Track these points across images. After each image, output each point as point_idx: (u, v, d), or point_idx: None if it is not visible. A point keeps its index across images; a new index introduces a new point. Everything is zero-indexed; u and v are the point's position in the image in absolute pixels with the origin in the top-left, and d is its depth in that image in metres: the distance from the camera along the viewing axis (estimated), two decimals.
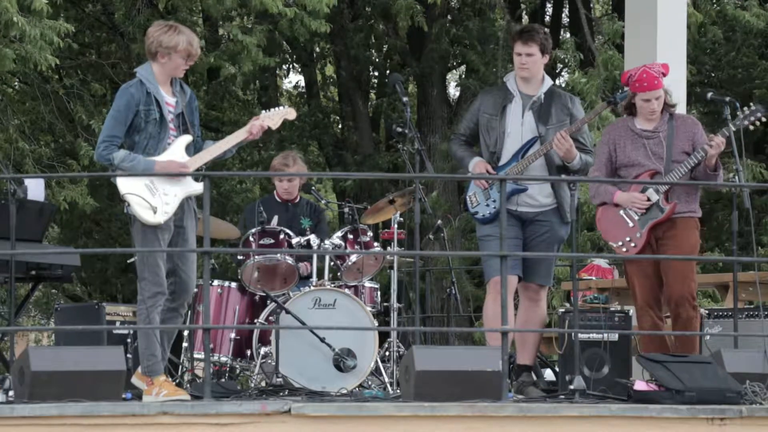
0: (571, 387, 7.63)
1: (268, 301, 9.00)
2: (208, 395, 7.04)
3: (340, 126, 20.53)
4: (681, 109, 9.60)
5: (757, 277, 9.21)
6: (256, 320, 9.10)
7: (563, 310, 9.09)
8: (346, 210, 9.42)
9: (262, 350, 8.88)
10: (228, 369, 9.16)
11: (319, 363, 8.59)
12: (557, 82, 19.45)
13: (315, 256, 9.16)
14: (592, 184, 8.60)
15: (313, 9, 13.91)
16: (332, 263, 9.15)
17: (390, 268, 9.26)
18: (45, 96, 16.27)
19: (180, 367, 9.04)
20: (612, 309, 8.95)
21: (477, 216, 8.63)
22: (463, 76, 20.21)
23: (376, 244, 9.40)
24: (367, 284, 9.42)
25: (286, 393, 8.16)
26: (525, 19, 20.22)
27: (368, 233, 9.30)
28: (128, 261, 10.96)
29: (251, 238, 9.15)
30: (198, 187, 7.62)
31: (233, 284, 9.30)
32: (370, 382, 8.89)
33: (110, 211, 18.36)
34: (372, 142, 19.60)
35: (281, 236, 9.18)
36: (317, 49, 20.32)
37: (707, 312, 9.37)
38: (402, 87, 8.92)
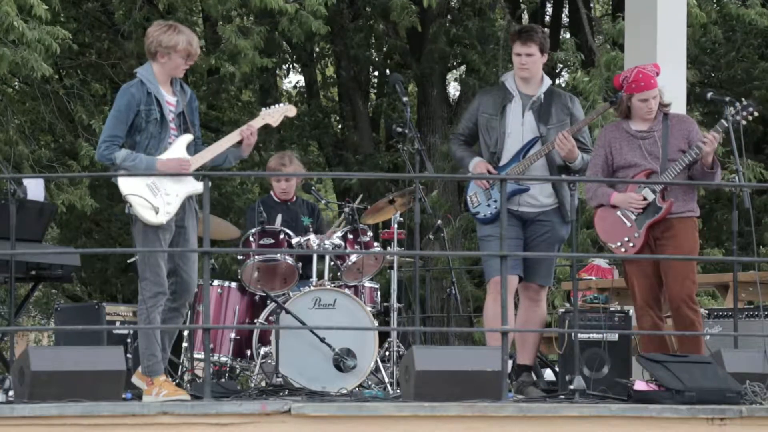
0: (571, 387, 7.63)
1: (268, 301, 9.00)
2: (208, 395, 7.04)
3: (340, 126, 20.53)
4: (681, 109, 9.61)
5: (758, 277, 9.21)
6: (256, 320, 9.10)
7: (563, 310, 9.09)
8: (346, 210, 9.43)
9: (262, 350, 8.88)
10: (228, 369, 9.16)
11: (319, 363, 8.59)
12: (557, 82, 19.45)
13: (315, 256, 9.16)
14: (588, 186, 8.59)
15: (312, 10, 13.91)
16: (332, 263, 9.15)
17: (390, 268, 9.26)
18: (45, 96, 16.27)
19: (180, 367, 9.04)
20: (612, 309, 8.95)
21: (478, 216, 8.63)
22: (463, 76, 20.21)
23: (376, 244, 9.41)
24: (367, 284, 9.42)
25: (286, 393, 8.16)
26: (525, 19, 20.21)
27: (368, 233, 9.30)
28: (128, 261, 10.96)
29: (251, 238, 9.16)
30: (199, 187, 7.62)
31: (233, 284, 9.30)
32: (370, 382, 8.89)
33: (110, 211, 18.35)
34: (372, 142, 19.60)
35: (281, 236, 9.18)
36: (317, 49, 20.32)
37: (707, 312, 9.37)
38: (402, 87, 8.92)
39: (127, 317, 9.69)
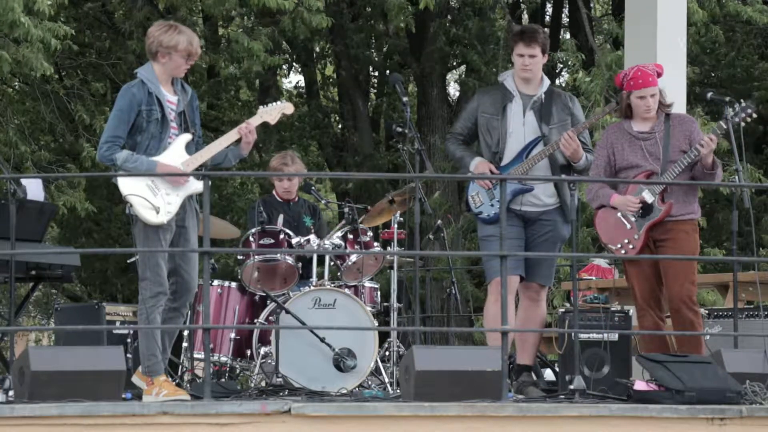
0: (571, 387, 7.63)
1: (268, 301, 9.00)
2: (208, 395, 7.04)
3: (340, 126, 20.53)
4: (681, 109, 9.60)
5: (758, 277, 9.21)
6: (256, 320, 9.10)
7: (563, 310, 9.09)
8: (346, 210, 9.42)
9: (262, 350, 8.88)
10: (228, 369, 9.17)
11: (319, 363, 8.59)
12: (557, 82, 19.46)
13: (315, 256, 9.16)
14: (590, 187, 8.60)
15: (310, 7, 13.91)
16: (332, 263, 9.15)
17: (390, 268, 9.26)
18: (45, 96, 16.27)
19: (180, 367, 9.04)
20: (612, 309, 8.95)
21: (481, 216, 8.62)
22: (463, 75, 20.21)
23: (376, 244, 9.40)
24: (367, 284, 9.42)
25: (286, 393, 8.16)
26: (525, 19, 20.22)
27: (368, 233, 9.30)
28: (128, 261, 10.95)
29: (251, 238, 9.15)
30: (199, 186, 7.62)
31: (233, 284, 9.30)
32: (370, 382, 8.88)
33: (110, 211, 18.36)
34: (372, 142, 19.60)
35: (281, 236, 9.17)
36: (317, 49, 20.33)
37: (707, 312, 9.37)
38: (402, 87, 8.91)
39: (127, 317, 9.69)
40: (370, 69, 20.58)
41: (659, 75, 8.36)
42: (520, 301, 8.67)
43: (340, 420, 6.84)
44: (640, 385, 7.56)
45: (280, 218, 9.70)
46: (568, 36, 19.63)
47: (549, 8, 21.28)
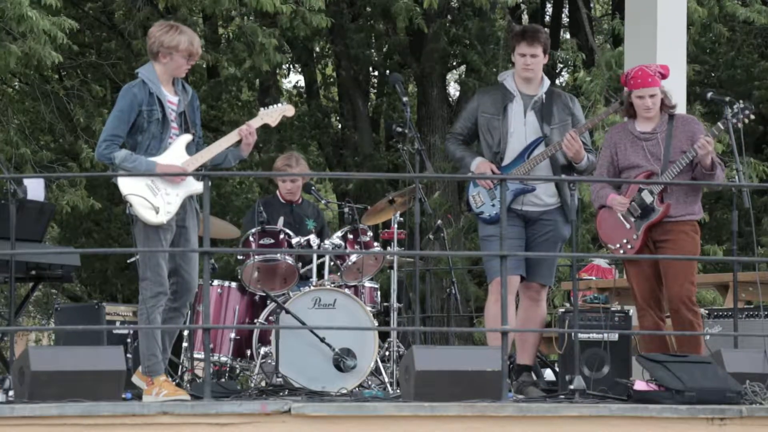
0: (571, 387, 7.63)
1: (268, 301, 9.00)
2: (208, 395, 7.04)
3: (340, 126, 20.53)
4: (681, 109, 9.60)
5: (758, 277, 9.21)
6: (256, 320, 9.10)
7: (563, 310, 9.09)
8: (346, 210, 9.42)
9: (262, 350, 8.88)
10: (228, 369, 9.16)
11: (319, 363, 8.59)
12: (557, 82, 19.46)
13: (315, 256, 9.16)
14: (593, 188, 8.61)
15: (311, 7, 13.91)
16: (332, 263, 9.15)
17: (390, 268, 9.26)
18: (45, 96, 16.28)
19: (180, 367, 9.03)
20: (612, 309, 8.95)
21: (482, 216, 8.61)
22: (463, 75, 20.22)
23: (376, 244, 9.40)
24: (367, 284, 9.42)
25: (286, 393, 8.16)
26: (525, 19, 20.22)
27: (368, 233, 9.30)
28: (128, 261, 10.96)
29: (251, 238, 9.15)
30: (199, 187, 7.62)
31: (233, 284, 9.30)
32: (370, 382, 8.88)
33: (110, 211, 18.36)
34: (372, 142, 19.60)
35: (281, 236, 9.17)
36: (317, 49, 20.33)
37: (707, 312, 9.37)
38: (402, 87, 8.90)
39: (127, 317, 9.69)
40: (370, 69, 20.58)
41: (664, 76, 8.36)
42: (521, 301, 8.67)
43: (340, 420, 6.84)
44: (640, 385, 7.56)
45: (281, 220, 9.70)
46: (568, 36, 19.65)
47: (549, 8, 21.28)
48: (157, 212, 7.49)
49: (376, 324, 9.23)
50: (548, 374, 11.10)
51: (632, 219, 8.33)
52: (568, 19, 21.19)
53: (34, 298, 23.33)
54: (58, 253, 10.67)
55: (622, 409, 7.14)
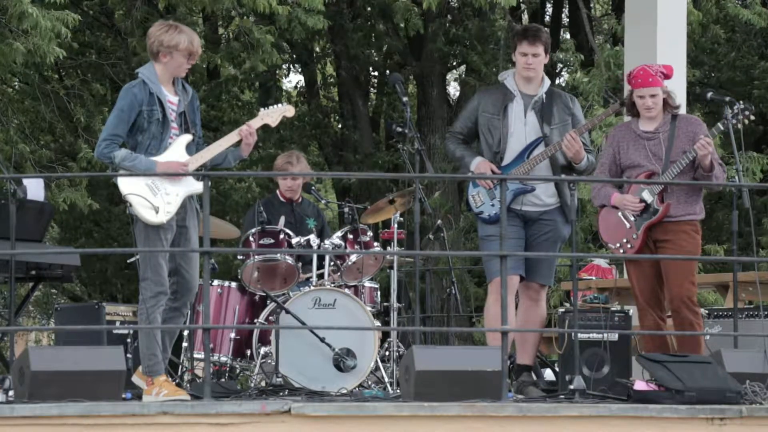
0: (571, 387, 7.63)
1: (268, 301, 9.00)
2: (208, 395, 7.04)
3: (340, 126, 20.53)
4: (681, 109, 9.60)
5: (757, 277, 9.21)
6: (256, 320, 9.10)
7: (563, 310, 9.09)
8: (346, 210, 9.42)
9: (262, 350, 8.88)
10: (228, 369, 9.16)
11: (319, 363, 8.59)
12: (557, 82, 19.45)
13: (315, 256, 9.16)
14: (593, 186, 8.61)
15: (309, 7, 13.91)
16: (332, 263, 9.14)
17: (390, 268, 9.26)
18: (45, 96, 16.27)
19: (180, 367, 9.03)
20: (612, 309, 8.95)
21: (482, 216, 8.61)
22: (463, 75, 20.22)
23: (376, 244, 9.40)
24: (367, 284, 9.42)
25: (286, 393, 8.16)
26: (525, 19, 20.21)
27: (368, 233, 9.30)
28: (128, 261, 10.95)
29: (251, 238, 9.15)
30: (199, 186, 7.62)
31: (233, 284, 9.30)
32: (370, 382, 8.89)
33: (110, 211, 18.36)
34: (372, 141, 19.61)
35: (281, 236, 9.17)
36: (317, 49, 20.33)
37: (707, 312, 9.37)
38: (402, 87, 8.90)
39: (127, 317, 9.69)
40: (370, 69, 20.58)
41: (666, 77, 8.37)
42: (520, 301, 8.67)
43: (340, 420, 6.84)
44: (640, 385, 7.56)
45: (282, 220, 9.70)
46: (568, 36, 19.65)
47: (549, 8, 21.28)
48: (157, 212, 7.49)
49: (377, 324, 9.23)
50: (548, 374, 11.11)
51: (632, 218, 8.34)
52: (568, 19, 21.19)
53: (34, 298, 23.32)
54: (58, 253, 10.66)
55: (622, 409, 7.14)
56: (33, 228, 9.60)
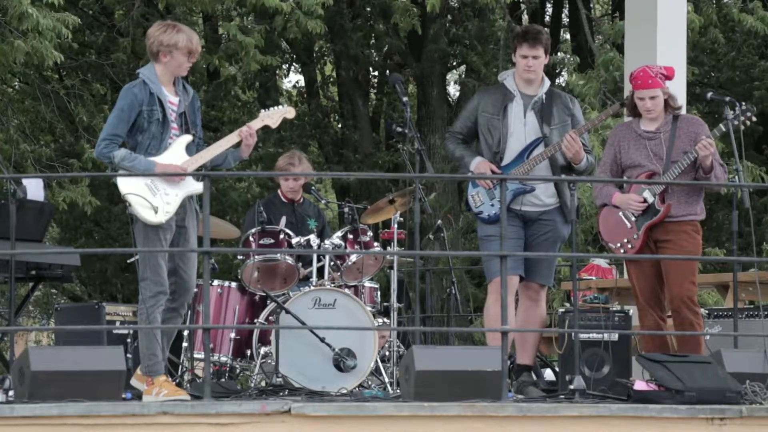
0: (571, 387, 7.63)
1: (268, 301, 9.00)
2: (208, 395, 7.04)
3: (340, 125, 20.53)
4: (681, 109, 9.60)
5: (757, 277, 9.21)
6: (256, 320, 9.10)
7: (563, 310, 9.09)
8: (346, 210, 9.42)
9: (262, 350, 8.88)
10: (228, 369, 9.16)
11: (319, 363, 8.59)
12: (556, 82, 19.44)
13: (315, 256, 9.16)
14: (595, 185, 8.61)
15: (309, 10, 13.91)
16: (332, 263, 9.15)
17: (390, 268, 9.26)
18: (45, 96, 16.27)
19: (180, 367, 9.03)
20: (612, 309, 8.95)
21: (481, 216, 8.61)
22: (463, 76, 20.21)
23: (376, 244, 9.40)
24: (367, 284, 9.42)
25: (286, 393, 8.16)
26: (525, 19, 20.21)
27: (368, 233, 9.30)
28: (128, 261, 10.95)
29: (251, 238, 9.15)
30: (199, 187, 7.63)
31: (233, 284, 9.30)
32: (370, 382, 8.89)
33: (110, 211, 18.35)
34: (372, 141, 19.60)
35: (281, 236, 9.17)
36: (317, 49, 20.33)
37: (707, 312, 9.38)
38: (402, 87, 8.90)
39: (127, 317, 9.69)
40: (370, 69, 20.57)
41: (668, 78, 8.37)
42: (520, 301, 8.67)
43: (340, 420, 6.84)
44: (640, 385, 7.56)
45: (283, 220, 9.70)
46: (568, 36, 19.64)
47: (549, 8, 21.27)
48: (156, 212, 7.49)
49: (377, 324, 9.23)
50: (548, 374, 11.11)
51: (633, 218, 8.34)
52: (568, 19, 21.18)
53: (34, 298, 23.31)
54: (58, 253, 10.66)
55: (622, 409, 7.14)
56: (33, 228, 9.60)
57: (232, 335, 9.12)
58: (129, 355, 8.82)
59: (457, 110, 18.85)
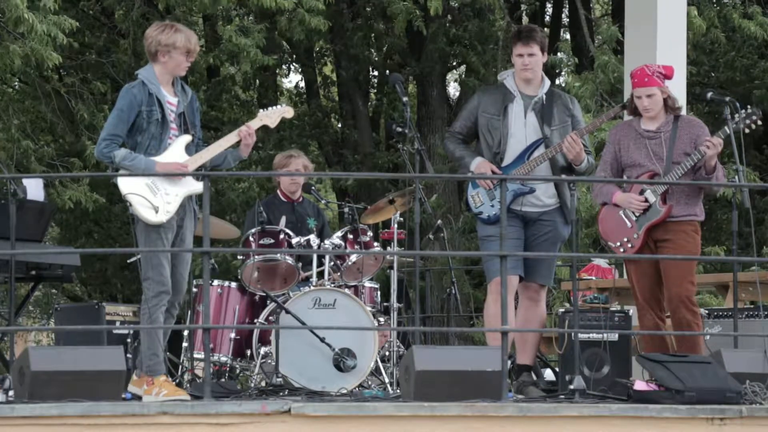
0: (571, 387, 7.63)
1: (268, 301, 9.00)
2: (208, 395, 7.04)
3: (339, 125, 20.53)
4: (681, 110, 9.60)
5: (758, 277, 9.21)
6: (256, 320, 9.09)
7: (563, 310, 9.09)
8: (346, 210, 9.43)
9: (262, 350, 8.88)
10: (228, 369, 9.16)
11: (319, 363, 8.59)
12: (556, 82, 19.44)
13: (315, 256, 9.16)
14: (595, 184, 8.62)
15: (310, 7, 13.90)
16: (332, 263, 9.15)
17: (390, 268, 9.26)
18: (46, 95, 16.27)
19: (180, 367, 9.03)
20: (612, 309, 8.95)
21: (481, 216, 8.61)
22: (463, 76, 20.21)
23: (375, 244, 9.40)
24: (367, 284, 9.42)
25: (286, 393, 8.16)
26: (525, 20, 20.21)
27: (368, 233, 9.30)
28: (128, 261, 10.95)
29: (251, 238, 9.15)
30: (199, 187, 7.64)
31: (233, 284, 9.30)
32: (370, 382, 8.89)
33: (110, 211, 18.35)
34: (372, 141, 19.60)
35: (281, 236, 9.18)
36: (317, 49, 20.32)
37: (707, 312, 9.38)
38: (402, 87, 8.90)
39: (127, 317, 9.69)
40: (370, 69, 20.57)
41: (667, 77, 8.37)
42: (520, 301, 8.67)
43: (340, 420, 6.84)
44: (640, 385, 7.56)
45: (283, 220, 9.70)
46: (568, 36, 19.64)
47: (549, 8, 21.27)
48: (157, 211, 7.51)
49: (377, 324, 9.23)
50: (548, 374, 11.11)
51: (633, 218, 8.34)
52: (568, 20, 21.18)
53: (34, 298, 23.32)
54: (58, 253, 10.66)
55: (622, 409, 7.14)
56: (33, 228, 9.61)
57: (232, 335, 9.12)
58: (129, 355, 8.82)
59: (457, 110, 18.84)
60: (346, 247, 9.17)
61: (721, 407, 7.16)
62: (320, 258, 9.16)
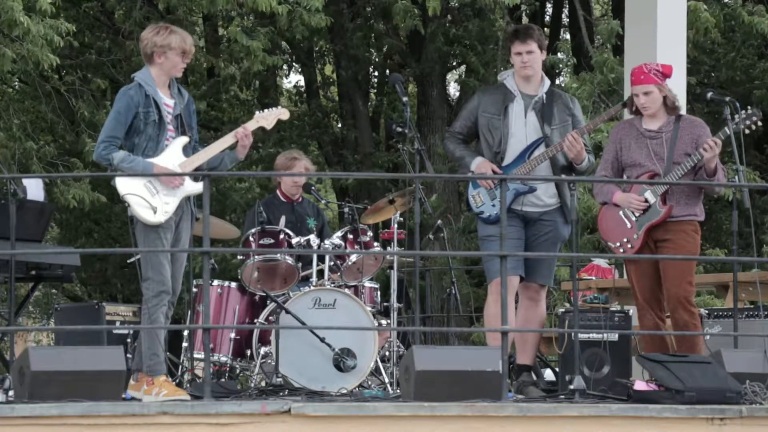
0: (571, 387, 7.63)
1: (268, 301, 9.00)
2: (208, 395, 7.04)
3: (339, 125, 20.53)
4: (681, 109, 9.60)
5: (758, 277, 9.21)
6: (256, 320, 9.09)
7: (563, 310, 9.09)
8: (346, 210, 9.43)
9: (262, 350, 8.88)
10: (228, 369, 9.16)
11: (319, 363, 8.59)
12: (556, 82, 19.44)
13: (315, 256, 9.16)
14: (596, 183, 8.62)
15: (309, 6, 13.90)
16: (332, 263, 9.15)
17: (390, 268, 9.26)
18: (46, 95, 16.27)
19: (180, 367, 9.03)
20: (612, 309, 8.95)
21: (482, 216, 8.61)
22: (463, 76, 20.21)
23: (375, 244, 9.40)
24: (367, 284, 9.41)
25: (286, 393, 8.16)
26: (525, 20, 20.21)
27: (368, 233, 9.30)
28: (128, 261, 10.94)
29: (251, 238, 9.15)
30: (197, 187, 7.66)
31: (233, 284, 9.30)
32: (370, 382, 8.89)
33: (110, 211, 18.36)
34: (372, 141, 19.60)
35: (281, 236, 9.18)
36: (317, 49, 20.32)
37: (707, 312, 9.37)
38: (402, 87, 8.91)
39: (127, 317, 9.69)
40: (370, 69, 20.57)
41: (665, 76, 8.37)
42: (520, 301, 8.67)
43: (340, 420, 6.84)
44: (640, 385, 7.56)
45: (282, 220, 9.70)
46: (568, 36, 19.64)
47: (549, 8, 21.27)
48: (155, 212, 7.52)
49: (377, 324, 9.23)
50: (548, 374, 11.11)
51: (633, 218, 8.34)
52: (568, 20, 21.18)
53: (34, 298, 23.32)
54: (58, 253, 10.67)
55: (622, 409, 7.14)
56: (33, 228, 9.61)
57: (232, 335, 9.12)
58: (129, 355, 8.82)
59: (457, 110, 18.84)
60: (346, 247, 9.17)
61: (721, 407, 7.16)
62: (320, 258, 9.16)
